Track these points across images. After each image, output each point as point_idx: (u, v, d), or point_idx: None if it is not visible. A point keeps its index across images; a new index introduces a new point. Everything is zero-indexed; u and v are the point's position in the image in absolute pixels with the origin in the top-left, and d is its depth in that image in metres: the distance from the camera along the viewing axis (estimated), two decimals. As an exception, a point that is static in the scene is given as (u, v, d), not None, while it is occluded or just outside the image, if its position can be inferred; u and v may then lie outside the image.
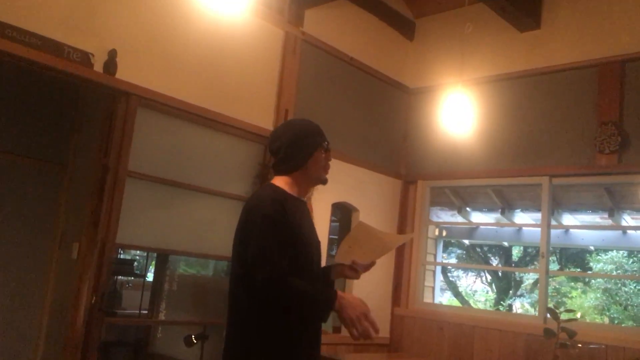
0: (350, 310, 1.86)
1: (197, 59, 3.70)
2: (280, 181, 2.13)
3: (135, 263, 6.47)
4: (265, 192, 2.08)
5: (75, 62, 3.12)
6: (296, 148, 2.11)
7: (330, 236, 4.49)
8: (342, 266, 2.19)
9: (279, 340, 1.93)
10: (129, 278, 5.98)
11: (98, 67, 3.22)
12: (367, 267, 2.20)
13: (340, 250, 2.16)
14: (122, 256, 6.50)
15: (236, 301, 2.00)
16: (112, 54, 3.25)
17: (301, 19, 4.36)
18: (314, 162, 2.13)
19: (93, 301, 3.19)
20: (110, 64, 3.25)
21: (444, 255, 11.40)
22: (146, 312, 4.84)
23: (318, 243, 2.19)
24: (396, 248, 5.01)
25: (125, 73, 3.32)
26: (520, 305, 12.45)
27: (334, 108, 4.49)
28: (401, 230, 5.05)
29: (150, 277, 5.90)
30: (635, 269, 10.77)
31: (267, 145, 2.24)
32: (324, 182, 2.20)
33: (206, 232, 3.80)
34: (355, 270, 2.17)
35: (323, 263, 2.41)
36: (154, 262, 6.04)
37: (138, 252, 7.37)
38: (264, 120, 4.10)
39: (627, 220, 6.31)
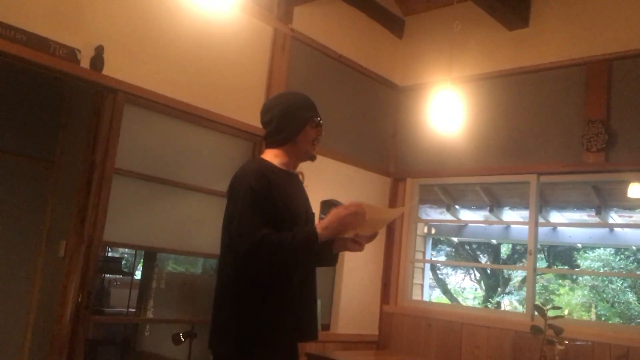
0: (335, 225, 1.93)
1: (185, 55, 3.68)
2: (270, 154, 2.13)
3: (123, 261, 6.43)
4: (251, 166, 2.08)
5: (62, 58, 3.08)
6: (287, 121, 2.11)
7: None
8: (344, 240, 2.15)
9: (261, 309, 1.94)
10: (117, 276, 5.95)
11: (85, 63, 3.19)
12: (370, 238, 2.18)
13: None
14: (110, 254, 6.45)
15: (222, 271, 2.03)
16: (99, 50, 3.22)
17: (290, 16, 4.34)
18: (304, 136, 2.13)
19: (80, 299, 3.16)
20: (97, 60, 3.22)
21: (433, 252, 11.44)
22: (134, 310, 4.81)
23: (311, 215, 2.20)
24: (385, 246, 5.03)
25: (112, 69, 3.29)
26: (509, 303, 12.53)
27: (322, 105, 4.44)
28: (390, 227, 5.05)
29: (138, 275, 5.87)
30: (622, 266, 10.87)
31: (260, 117, 2.22)
32: (312, 158, 2.19)
33: (194, 230, 3.78)
34: (358, 243, 2.15)
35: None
36: (141, 260, 6.02)
37: (126, 249, 7.33)
38: (252, 117, 4.07)
39: (614, 218, 6.37)
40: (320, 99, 4.60)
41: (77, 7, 3.18)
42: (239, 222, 1.90)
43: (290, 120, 2.11)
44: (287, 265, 1.96)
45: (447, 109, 4.05)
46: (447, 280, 13.80)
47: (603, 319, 10.65)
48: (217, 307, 2.02)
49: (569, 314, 10.26)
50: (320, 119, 2.20)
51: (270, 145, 2.15)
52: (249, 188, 1.93)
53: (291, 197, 2.06)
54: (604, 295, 11.12)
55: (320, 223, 1.96)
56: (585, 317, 10.87)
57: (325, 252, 2.15)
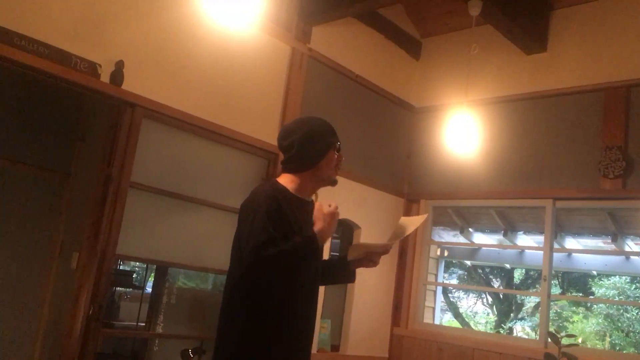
0: (325, 226, 1.99)
1: (204, 72, 3.71)
2: (286, 179, 2.09)
3: (134, 274, 6.43)
4: (262, 188, 2.04)
5: (83, 72, 3.13)
6: (310, 147, 2.07)
7: (331, 253, 4.47)
8: (360, 259, 2.18)
9: (260, 337, 1.92)
10: (128, 289, 5.95)
11: (105, 77, 3.23)
12: (385, 250, 2.18)
13: (351, 252, 2.16)
14: (121, 267, 6.47)
15: (229, 299, 2.01)
16: (119, 65, 3.26)
17: (308, 35, 4.38)
18: (327, 162, 2.10)
19: (91, 312, 3.16)
20: (117, 75, 3.26)
21: (445, 275, 11.34)
22: (144, 324, 4.80)
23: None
24: (397, 268, 4.98)
25: (132, 84, 3.33)
26: (521, 329, 12.34)
27: (338, 124, 4.43)
28: (402, 249, 5.02)
29: (148, 289, 5.87)
30: (637, 295, 10.68)
31: (278, 140, 2.18)
32: (334, 183, 2.15)
33: (207, 246, 3.78)
34: (372, 260, 2.15)
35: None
36: (153, 274, 6.01)
37: (137, 263, 7.35)
38: (268, 134, 4.10)
39: (630, 245, 6.27)
40: (336, 118, 4.61)
41: (99, 22, 3.24)
42: (246, 240, 1.89)
43: (313, 146, 2.07)
44: (293, 273, 1.95)
45: (462, 131, 4.04)
46: (459, 304, 13.65)
47: (617, 348, 10.45)
48: (219, 329, 2.01)
49: (583, 342, 10.08)
50: (340, 144, 2.18)
51: (288, 170, 2.10)
52: (260, 210, 1.91)
53: (299, 223, 2.01)
54: (619, 324, 10.92)
55: (314, 229, 1.98)
56: (599, 346, 10.67)
57: (342, 269, 2.18)
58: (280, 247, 1.86)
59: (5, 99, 4.33)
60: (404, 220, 2.24)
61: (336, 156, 2.13)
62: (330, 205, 2.04)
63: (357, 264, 2.20)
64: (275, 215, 1.92)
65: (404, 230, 2.21)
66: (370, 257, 2.14)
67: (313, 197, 2.22)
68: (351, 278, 2.28)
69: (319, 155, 2.08)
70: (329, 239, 2.04)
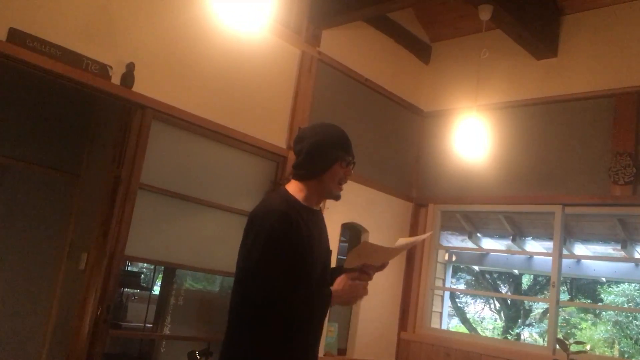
0: (345, 297, 1.95)
1: (214, 75, 3.73)
2: (295, 187, 2.05)
3: (142, 276, 6.45)
4: (275, 200, 1.99)
5: (94, 73, 3.15)
6: (315, 156, 2.01)
7: (339, 256, 4.46)
8: (352, 270, 2.08)
9: (272, 343, 1.90)
10: (135, 291, 5.97)
11: (115, 79, 3.25)
12: (380, 268, 2.10)
13: (349, 259, 2.06)
14: (129, 268, 6.49)
15: (235, 304, 1.98)
16: (130, 67, 3.28)
17: (318, 39, 4.39)
18: (331, 176, 2.03)
19: (99, 312, 3.17)
20: (128, 77, 3.28)
21: (453, 280, 11.28)
22: (151, 325, 4.81)
23: (329, 252, 2.14)
24: (405, 272, 4.97)
25: (142, 86, 3.34)
26: (529, 335, 12.27)
27: (347, 128, 4.43)
28: (410, 254, 5.01)
29: (156, 290, 5.89)
30: (647, 302, 10.60)
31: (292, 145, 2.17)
32: (336, 198, 2.10)
33: (215, 248, 3.79)
34: (366, 273, 2.06)
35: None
36: (160, 276, 6.03)
37: (145, 264, 7.37)
38: (277, 137, 4.11)
39: (640, 252, 6.21)
40: (345, 122, 4.63)
41: (110, 25, 3.26)
42: (256, 271, 1.85)
43: (319, 157, 2.01)
44: (298, 322, 1.94)
45: (472, 135, 4.03)
46: (466, 309, 13.59)
47: (626, 355, 10.36)
48: (226, 337, 1.99)
49: (591, 349, 10.01)
50: (353, 158, 2.11)
51: (296, 176, 2.07)
52: (271, 230, 1.86)
53: (312, 237, 1.98)
54: (628, 332, 10.83)
55: (334, 290, 1.94)
56: (607, 353, 10.58)
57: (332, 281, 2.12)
58: (291, 299, 1.85)
59: (17, 100, 4.37)
60: (402, 240, 2.21)
61: (343, 171, 2.06)
62: (358, 277, 2.00)
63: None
64: (287, 235, 1.88)
65: (405, 245, 2.18)
66: (366, 269, 2.05)
67: (321, 206, 2.19)
68: None
69: (324, 167, 2.01)
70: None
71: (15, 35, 2.87)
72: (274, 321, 1.89)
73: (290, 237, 1.89)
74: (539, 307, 12.08)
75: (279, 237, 1.86)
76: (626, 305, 10.65)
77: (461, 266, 10.95)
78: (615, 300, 10.85)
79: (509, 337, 11.77)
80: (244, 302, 1.90)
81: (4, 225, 4.44)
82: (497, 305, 13.19)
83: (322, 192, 2.06)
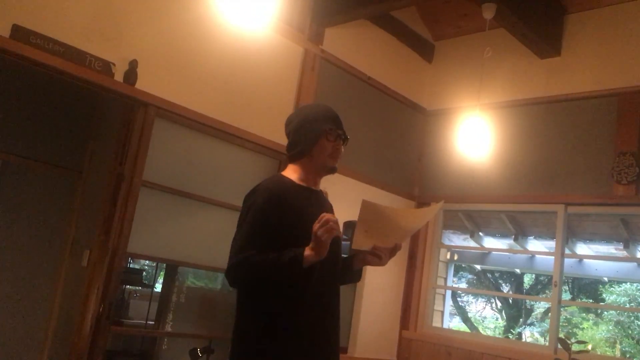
0: (320, 245, 1.77)
1: (217, 73, 3.73)
2: (290, 170, 2.08)
3: (144, 273, 6.45)
4: (265, 183, 2.01)
5: (97, 70, 3.15)
6: (301, 134, 2.05)
7: (342, 255, 4.45)
8: (364, 253, 2.05)
9: (273, 330, 1.88)
10: (137, 288, 5.97)
11: (118, 76, 3.25)
12: (392, 251, 2.04)
13: (357, 237, 1.96)
14: (131, 265, 6.50)
15: (238, 296, 2.00)
16: (133, 64, 3.28)
17: (321, 37, 4.38)
18: (319, 149, 2.03)
19: (101, 309, 3.18)
20: (131, 74, 3.28)
21: (455, 279, 11.29)
22: (153, 322, 4.82)
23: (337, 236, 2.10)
24: (406, 271, 4.97)
25: (145, 83, 3.34)
26: (530, 334, 12.26)
27: (349, 126, 4.45)
28: (412, 252, 5.01)
29: (158, 287, 5.89)
30: (649, 302, 10.59)
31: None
32: (332, 170, 2.08)
33: (217, 245, 3.79)
34: (378, 256, 2.02)
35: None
36: (162, 273, 6.03)
37: (147, 261, 7.38)
38: (280, 135, 4.07)
39: (643, 252, 6.19)
40: (347, 120, 4.60)
41: (113, 22, 3.26)
42: (233, 241, 1.90)
43: (305, 133, 2.04)
44: (270, 285, 1.86)
45: (474, 134, 4.03)
46: (468, 308, 13.58)
47: (628, 355, 10.35)
48: (234, 326, 2.00)
49: (593, 349, 10.00)
50: (342, 132, 2.10)
51: (290, 159, 2.09)
52: (254, 206, 1.90)
53: (306, 216, 1.91)
54: (630, 332, 10.82)
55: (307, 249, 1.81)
56: (609, 353, 10.57)
57: (346, 268, 2.10)
58: (263, 257, 1.81)
59: (19, 96, 4.38)
60: (404, 212, 2.16)
61: (331, 143, 2.04)
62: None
63: (362, 261, 2.09)
64: (274, 209, 1.89)
65: (408, 228, 2.07)
66: (377, 251, 2.00)
67: (322, 192, 2.18)
68: (355, 278, 2.18)
69: (311, 142, 2.02)
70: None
71: (18, 32, 2.87)
72: (250, 288, 1.89)
73: (277, 211, 1.89)
74: (540, 307, 12.07)
75: (263, 211, 1.88)
76: (628, 305, 10.63)
77: (463, 265, 10.95)
78: (617, 300, 10.84)
79: (511, 337, 11.76)
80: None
81: (6, 223, 4.45)
82: (499, 304, 13.18)
83: (316, 168, 2.06)
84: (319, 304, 1.98)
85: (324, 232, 1.76)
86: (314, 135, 2.03)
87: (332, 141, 2.05)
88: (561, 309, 4.34)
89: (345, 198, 4.30)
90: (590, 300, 11.68)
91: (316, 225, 1.77)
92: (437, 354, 4.61)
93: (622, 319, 10.89)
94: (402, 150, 5.09)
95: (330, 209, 2.16)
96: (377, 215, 1.96)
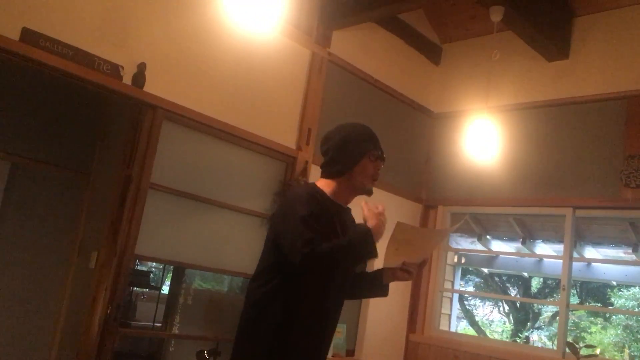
0: (379, 224, 1.97)
1: (224, 75, 3.74)
2: (323, 182, 2.07)
3: (152, 275, 6.48)
4: (303, 189, 2.04)
5: (105, 73, 3.17)
6: (343, 152, 2.04)
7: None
8: (394, 269, 2.11)
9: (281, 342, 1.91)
10: (145, 290, 6.00)
11: (127, 79, 3.26)
12: (420, 266, 2.13)
13: (388, 255, 2.04)
14: (138, 267, 6.52)
15: (249, 300, 2.01)
16: (142, 67, 3.30)
17: (328, 39, 4.39)
18: (361, 170, 2.05)
19: (108, 311, 3.19)
20: (139, 77, 3.29)
21: (462, 282, 11.24)
22: (160, 324, 4.83)
23: None
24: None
25: (153, 86, 3.36)
26: (538, 338, 12.20)
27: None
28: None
29: (165, 289, 5.91)
30: (658, 306, 10.51)
31: (320, 148, 2.18)
32: (369, 192, 2.11)
33: (224, 248, 3.80)
34: (407, 272, 2.09)
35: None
36: (170, 275, 6.05)
37: (154, 263, 7.40)
38: (287, 138, 4.12)
39: (652, 256, 6.15)
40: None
41: (122, 25, 3.28)
42: (291, 237, 1.86)
43: (348, 152, 2.03)
44: (345, 268, 1.97)
45: (482, 137, 4.02)
46: (475, 312, 13.53)
47: (637, 360, 10.28)
48: (236, 338, 2.01)
49: (601, 353, 9.93)
50: (382, 153, 2.11)
51: (325, 175, 2.08)
52: (302, 210, 1.88)
53: (336, 230, 1.98)
54: (638, 336, 10.74)
55: (369, 226, 1.94)
56: (617, 358, 10.50)
57: (376, 282, 2.14)
58: (334, 242, 1.85)
59: (29, 99, 4.41)
60: (430, 231, 2.22)
61: (372, 164, 2.07)
62: (377, 208, 2.01)
63: (392, 276, 2.14)
64: (318, 214, 1.90)
65: (429, 243, 2.22)
66: (407, 267, 2.08)
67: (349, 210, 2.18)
68: (384, 292, 2.23)
69: (353, 161, 2.03)
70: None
71: (28, 35, 2.89)
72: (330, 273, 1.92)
73: (320, 214, 1.92)
74: (548, 310, 12.01)
75: (310, 212, 1.89)
76: (637, 309, 10.56)
77: (470, 268, 10.91)
78: (626, 304, 10.78)
79: (518, 340, 11.71)
80: (286, 263, 1.89)
81: (15, 224, 4.47)
82: (506, 308, 13.13)
83: (353, 187, 2.07)
84: (326, 319, 2.03)
85: (382, 223, 1.94)
86: (358, 155, 2.04)
87: (373, 161, 2.07)
88: (569, 313, 4.32)
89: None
90: (599, 304, 11.61)
91: (379, 208, 1.95)
92: (444, 358, 4.59)
93: (630, 323, 10.82)
94: (409, 153, 5.09)
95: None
96: (408, 235, 2.05)
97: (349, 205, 2.17)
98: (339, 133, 2.08)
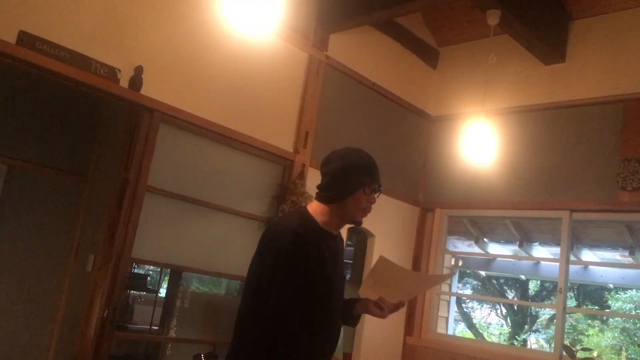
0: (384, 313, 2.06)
1: (222, 78, 3.74)
2: (316, 208, 2.02)
3: (149, 278, 6.46)
4: (293, 220, 1.97)
5: (102, 76, 3.16)
6: (339, 180, 1.99)
7: (345, 260, 4.45)
8: (368, 301, 2.06)
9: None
10: (142, 293, 5.98)
11: (124, 82, 3.26)
12: (396, 307, 2.08)
13: (365, 285, 2.02)
14: (135, 270, 6.50)
15: (243, 327, 1.93)
16: (138, 70, 3.30)
17: (326, 43, 4.39)
18: (353, 201, 1.99)
19: (105, 314, 3.18)
20: (136, 80, 3.29)
21: (459, 285, 11.25)
22: (157, 328, 4.82)
23: (342, 278, 2.09)
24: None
25: (150, 89, 3.36)
26: (535, 341, 12.21)
27: (354, 132, 4.49)
28: (417, 258, 4.99)
29: (162, 293, 5.89)
30: (655, 309, 10.53)
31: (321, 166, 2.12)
32: (358, 224, 2.05)
33: (221, 251, 3.80)
34: (381, 308, 2.04)
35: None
36: (167, 278, 6.04)
37: (151, 267, 7.39)
38: (284, 141, 4.12)
39: (648, 259, 6.17)
40: (352, 126, 4.64)
41: (119, 28, 3.28)
42: (276, 306, 1.82)
43: (343, 181, 1.98)
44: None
45: (479, 140, 4.02)
46: (473, 315, 13.54)
47: (634, 363, 10.29)
48: (232, 348, 1.95)
49: (598, 356, 9.94)
50: (379, 186, 2.08)
51: (319, 198, 2.04)
52: (284, 251, 1.84)
53: (327, 262, 1.93)
54: (635, 339, 10.76)
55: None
56: (615, 361, 10.52)
57: (347, 312, 2.08)
58: (310, 340, 1.85)
59: (26, 102, 4.40)
60: (416, 275, 2.19)
61: (366, 199, 2.01)
62: (372, 311, 2.07)
63: (364, 307, 2.09)
64: (303, 261, 1.86)
65: (416, 288, 2.19)
66: (381, 303, 2.04)
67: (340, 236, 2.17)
68: (353, 323, 2.18)
69: (347, 192, 1.98)
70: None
71: (24, 38, 2.89)
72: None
73: (305, 259, 1.86)
74: (545, 313, 12.02)
75: (294, 261, 1.83)
76: (634, 312, 10.58)
77: (468, 271, 10.92)
78: (623, 307, 10.79)
79: (516, 343, 11.71)
80: (258, 329, 1.85)
81: (12, 227, 4.46)
82: (504, 310, 13.14)
83: (343, 216, 2.02)
84: (328, 345, 2.02)
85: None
86: (353, 186, 1.99)
87: (367, 195, 2.02)
88: (566, 316, 4.32)
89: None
90: (596, 307, 11.62)
91: (394, 305, 2.07)
92: (442, 361, 4.59)
93: (627, 325, 10.84)
94: (407, 156, 5.09)
95: (341, 254, 2.14)
96: (389, 273, 2.02)
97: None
98: (341, 159, 2.02)
